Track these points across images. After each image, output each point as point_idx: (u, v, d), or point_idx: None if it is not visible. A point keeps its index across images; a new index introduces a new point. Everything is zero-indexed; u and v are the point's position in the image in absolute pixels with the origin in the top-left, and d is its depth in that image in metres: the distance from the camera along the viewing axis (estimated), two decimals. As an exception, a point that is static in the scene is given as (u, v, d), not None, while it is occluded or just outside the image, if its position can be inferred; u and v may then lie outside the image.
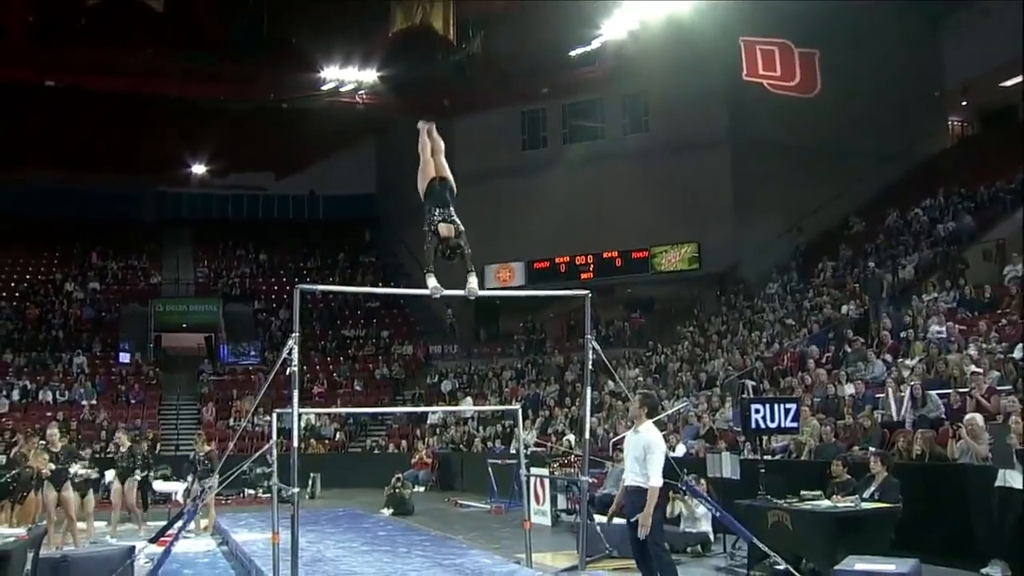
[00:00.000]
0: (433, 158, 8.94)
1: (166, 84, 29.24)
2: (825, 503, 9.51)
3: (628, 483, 7.96)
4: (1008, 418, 10.19)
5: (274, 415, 10.54)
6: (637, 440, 7.91)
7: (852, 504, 9.29)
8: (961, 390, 12.96)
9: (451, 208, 8.60)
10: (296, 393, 7.95)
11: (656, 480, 7.66)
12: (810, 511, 9.36)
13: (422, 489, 22.47)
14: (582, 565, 9.08)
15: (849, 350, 17.76)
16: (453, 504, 19.69)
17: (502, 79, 30.80)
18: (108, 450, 13.42)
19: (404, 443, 26.65)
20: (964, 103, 34.40)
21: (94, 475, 13.11)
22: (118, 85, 28.85)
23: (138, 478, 13.91)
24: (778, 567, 9.09)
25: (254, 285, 37.19)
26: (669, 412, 18.08)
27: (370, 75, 29.51)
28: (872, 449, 11.34)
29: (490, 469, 19.01)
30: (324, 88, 30.06)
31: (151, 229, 39.25)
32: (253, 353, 32.67)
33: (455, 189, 8.90)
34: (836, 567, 7.64)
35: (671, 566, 7.97)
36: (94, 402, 27.63)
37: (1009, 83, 30.92)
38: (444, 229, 8.41)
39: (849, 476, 10.31)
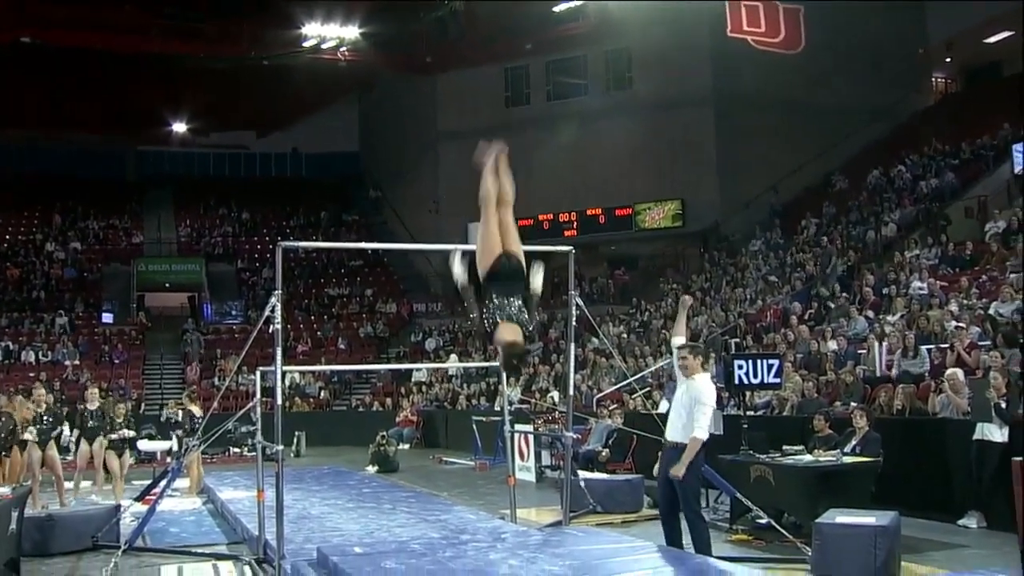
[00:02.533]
0: (500, 214, 6.43)
1: (146, 41, 28.82)
2: (807, 458, 9.58)
3: (670, 438, 7.65)
4: (988, 373, 10.27)
5: (258, 373, 10.51)
6: (688, 389, 7.61)
7: (833, 458, 9.37)
8: (942, 346, 13.04)
9: (519, 299, 6.00)
10: (279, 351, 7.91)
11: (702, 432, 7.37)
12: (792, 466, 9.44)
13: (407, 446, 22.55)
14: (566, 520, 9.12)
15: (833, 305, 17.84)
16: (438, 461, 19.77)
17: (485, 35, 30.49)
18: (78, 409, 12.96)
19: (388, 401, 26.71)
20: (948, 59, 34.38)
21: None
22: (98, 42, 28.45)
23: (106, 440, 13.05)
24: (760, 521, 9.18)
25: (237, 244, 37.01)
26: (652, 369, 18.16)
27: (352, 31, 29.17)
28: (854, 404, 11.41)
29: (474, 426, 19.08)
30: (306, 45, 29.71)
31: (132, 188, 39.01)
32: (237, 312, 32.61)
33: (525, 266, 6.31)
34: (817, 520, 7.71)
35: (705, 535, 7.58)
36: (77, 362, 27.55)
37: (993, 39, 30.94)
38: (510, 333, 5.77)
39: (831, 431, 10.38)
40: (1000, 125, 22.34)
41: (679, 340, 8.17)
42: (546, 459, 15.57)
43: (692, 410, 7.47)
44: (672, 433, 7.67)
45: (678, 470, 7.35)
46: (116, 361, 28.61)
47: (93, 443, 12.81)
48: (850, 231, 22.68)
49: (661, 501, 7.89)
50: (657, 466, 8.22)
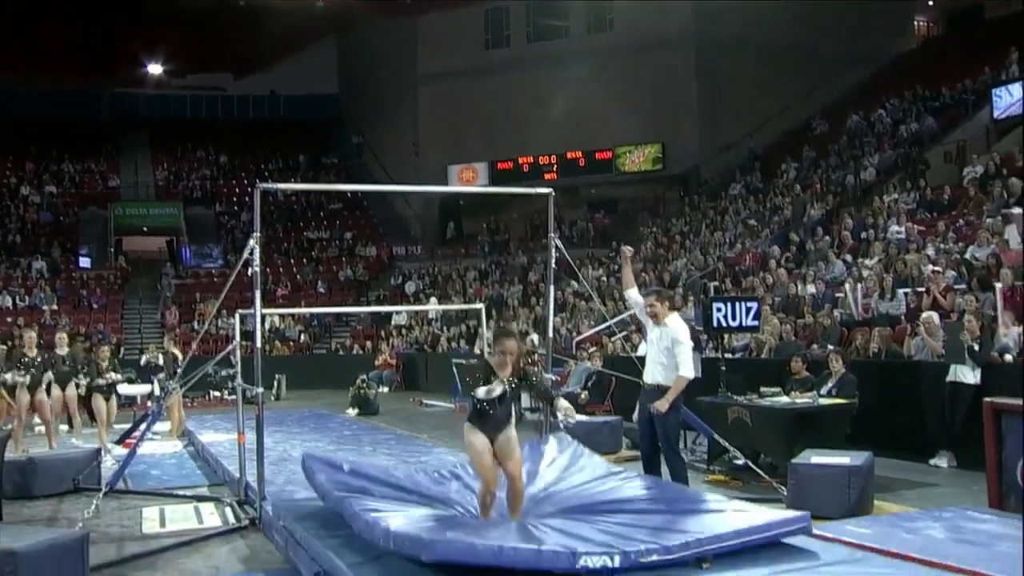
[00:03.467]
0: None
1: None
2: (784, 399, 9.68)
3: (649, 381, 7.70)
4: (962, 316, 10.38)
5: (237, 316, 10.44)
6: (664, 333, 7.61)
7: (810, 400, 9.46)
8: (919, 289, 13.14)
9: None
10: (258, 293, 7.87)
11: (688, 371, 7.46)
12: (769, 407, 9.52)
13: (387, 389, 22.63)
14: (545, 461, 9.20)
15: (811, 249, 17.92)
16: (418, 404, 19.86)
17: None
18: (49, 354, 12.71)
19: (368, 344, 26.75)
20: (931, 2, 34.17)
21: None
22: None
23: (81, 382, 12.84)
24: (737, 461, 9.28)
25: (215, 188, 36.70)
26: (631, 312, 18.20)
27: (330, -30, 28.70)
28: (831, 347, 11.52)
29: (455, 369, 19.12)
30: (284, -17, 29.23)
31: (108, 131, 38.44)
32: (215, 256, 32.47)
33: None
34: (792, 460, 7.81)
35: (683, 472, 7.73)
36: (55, 307, 27.36)
37: (976, -19, 30.75)
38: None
39: (808, 373, 10.48)
40: (981, 70, 22.30)
41: (632, 292, 8.21)
42: (525, 401, 15.64)
43: (672, 352, 7.51)
44: (652, 376, 7.72)
45: (662, 404, 7.43)
46: (94, 306, 28.45)
47: (66, 389, 12.64)
48: (830, 175, 22.71)
49: (642, 442, 7.94)
50: (637, 410, 8.24)
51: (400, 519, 5.23)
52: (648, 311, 7.78)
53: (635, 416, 10.20)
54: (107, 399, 12.90)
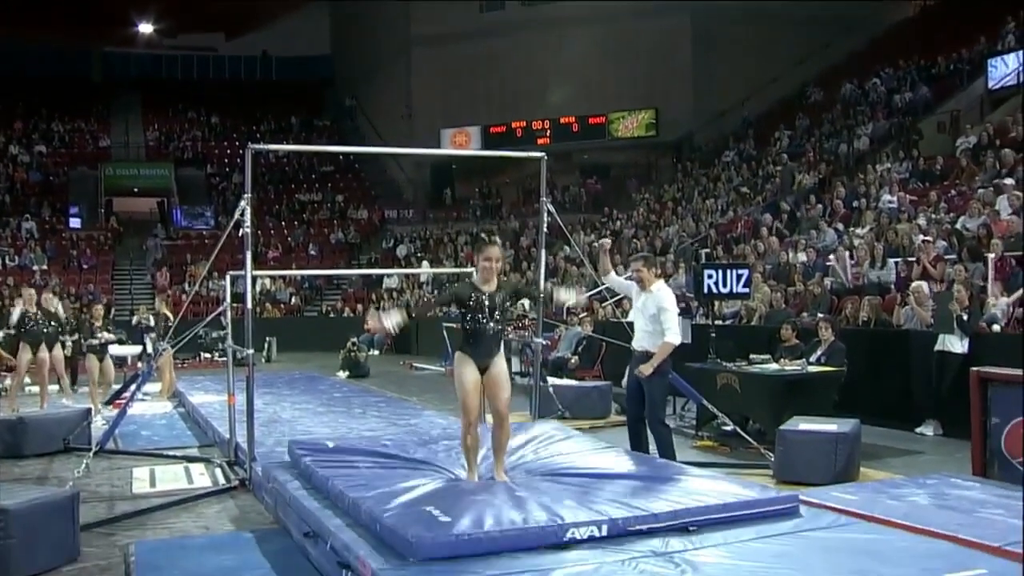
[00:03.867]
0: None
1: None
2: (773, 366, 9.72)
3: (638, 347, 7.72)
4: (952, 286, 10.41)
5: (228, 278, 10.42)
6: (650, 300, 7.63)
7: (799, 368, 9.51)
8: (909, 259, 13.15)
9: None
10: (249, 254, 7.84)
11: (674, 336, 7.48)
12: (758, 374, 9.57)
13: (377, 352, 22.65)
14: (534, 425, 9.23)
15: (804, 216, 17.90)
16: (408, 367, 19.90)
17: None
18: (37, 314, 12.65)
19: (360, 307, 26.73)
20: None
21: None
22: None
23: (68, 342, 13.08)
24: (726, 427, 9.30)
25: (206, 149, 36.49)
26: (624, 277, 18.20)
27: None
28: (820, 315, 11.54)
29: (445, 332, 19.13)
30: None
31: (98, 91, 38.13)
32: (207, 217, 32.35)
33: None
34: (781, 427, 7.85)
35: (668, 440, 7.73)
36: (45, 267, 27.22)
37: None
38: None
39: (797, 341, 10.51)
40: (977, 40, 22.18)
41: (612, 277, 8.34)
42: (516, 365, 15.68)
43: (658, 318, 7.54)
44: (639, 342, 7.76)
45: (646, 368, 7.47)
46: (84, 266, 28.32)
47: (53, 349, 12.59)
48: (823, 143, 22.65)
49: (629, 408, 7.98)
50: (626, 376, 8.25)
51: (384, 503, 5.23)
52: (635, 276, 7.81)
53: (624, 382, 10.24)
54: (101, 359, 12.88)
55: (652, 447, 7.78)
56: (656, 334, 7.57)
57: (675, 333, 7.54)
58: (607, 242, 8.79)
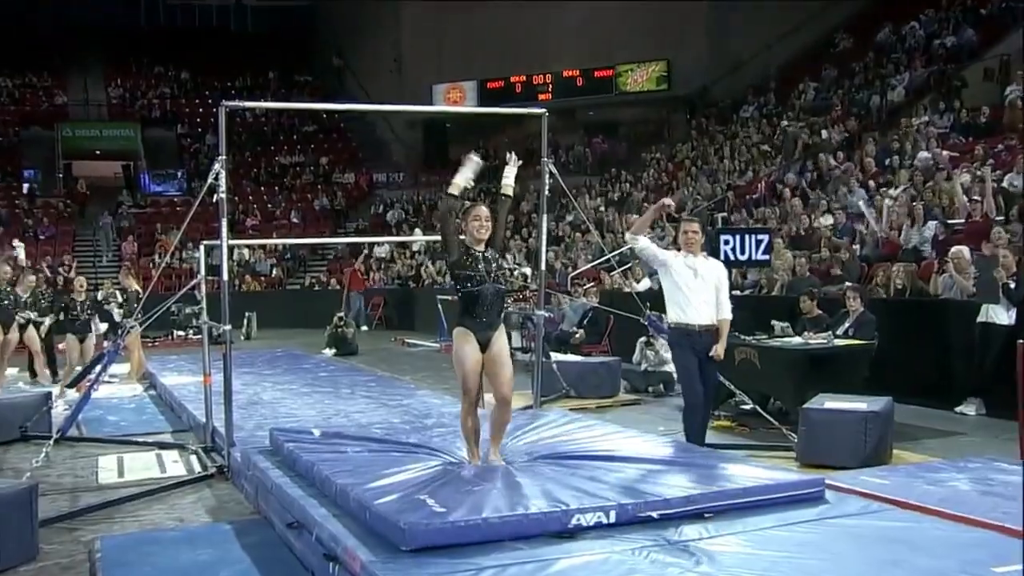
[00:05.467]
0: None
1: None
2: (796, 340, 9.71)
3: (702, 321, 7.55)
4: (996, 251, 10.33)
5: (202, 248, 10.40)
6: (709, 268, 7.67)
7: (824, 341, 9.49)
8: (949, 221, 13.10)
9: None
10: (224, 222, 7.82)
11: (730, 310, 7.68)
12: (780, 348, 9.56)
13: (365, 328, 22.66)
14: (537, 404, 9.24)
15: (831, 177, 17.83)
16: (400, 343, 19.94)
17: None
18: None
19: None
20: None
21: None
22: None
23: (21, 321, 12.93)
24: (745, 406, 9.34)
25: (176, 107, 36.37)
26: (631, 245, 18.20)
27: None
28: (847, 284, 11.52)
29: (440, 305, 19.17)
30: None
31: (52, 42, 37.53)
32: (178, 181, 32.32)
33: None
34: (805, 405, 7.85)
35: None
36: (-6, 237, 27.15)
37: None
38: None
39: (820, 311, 10.50)
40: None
41: (644, 240, 7.97)
42: (516, 340, 15.70)
43: (720, 289, 7.66)
44: (701, 315, 7.60)
45: (721, 349, 7.55)
46: (42, 237, 28.19)
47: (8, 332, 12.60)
48: (852, 96, 22.50)
49: (692, 393, 7.72)
50: (677, 356, 7.98)
51: (374, 490, 5.24)
52: (692, 237, 7.70)
53: (671, 366, 10.15)
54: (82, 340, 12.89)
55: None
56: (715, 307, 7.62)
57: (729, 306, 7.70)
58: (670, 203, 8.62)
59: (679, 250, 7.81)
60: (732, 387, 8.73)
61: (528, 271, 19.04)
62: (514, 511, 4.85)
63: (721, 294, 7.62)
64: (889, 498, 5.76)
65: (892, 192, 15.09)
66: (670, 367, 11.56)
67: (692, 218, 8.03)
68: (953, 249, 11.12)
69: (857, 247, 13.67)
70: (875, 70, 23.17)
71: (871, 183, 16.30)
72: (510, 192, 6.51)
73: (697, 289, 7.59)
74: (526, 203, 26.21)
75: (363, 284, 24.31)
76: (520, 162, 6.63)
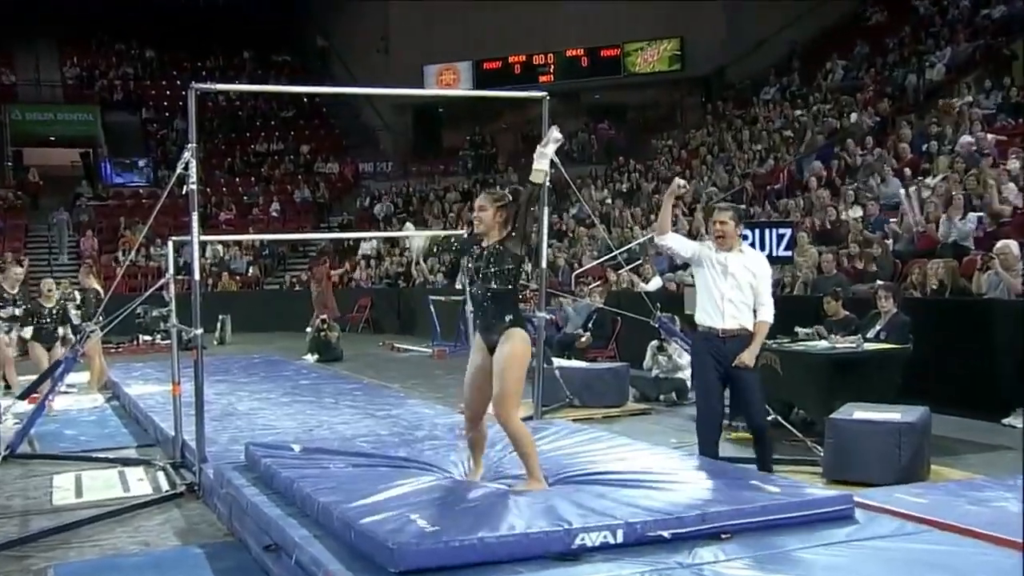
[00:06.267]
0: None
1: None
2: (822, 343, 9.67)
3: (729, 326, 7.23)
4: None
5: (170, 245, 10.40)
6: (743, 263, 7.30)
7: (853, 344, 9.46)
8: (995, 212, 13.08)
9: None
10: (195, 216, 7.82)
11: (771, 313, 7.29)
12: (804, 352, 9.53)
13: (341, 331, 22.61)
14: (538, 415, 9.22)
15: (861, 165, 17.80)
16: (389, 348, 19.97)
17: None
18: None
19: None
20: None
21: None
22: None
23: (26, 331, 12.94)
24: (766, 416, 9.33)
25: (140, 89, 36.41)
26: (641, 240, 18.23)
27: None
28: (879, 283, 11.50)
29: (432, 307, 19.22)
30: None
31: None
32: (143, 171, 32.33)
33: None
34: (832, 415, 7.83)
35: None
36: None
37: None
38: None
39: (848, 313, 10.49)
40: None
41: (672, 239, 7.72)
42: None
43: (756, 289, 7.30)
44: (730, 319, 7.29)
45: (749, 356, 7.18)
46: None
47: None
48: (886, 75, 22.48)
49: (708, 406, 7.56)
50: (694, 365, 7.90)
51: (359, 508, 5.25)
52: (721, 228, 7.38)
53: (687, 374, 10.08)
54: (49, 348, 12.88)
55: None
56: (749, 308, 7.31)
57: (772, 309, 7.34)
58: (682, 182, 8.15)
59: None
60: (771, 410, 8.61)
61: (528, 269, 19.05)
62: (513, 530, 4.84)
63: (762, 295, 7.29)
64: (926, 518, 5.73)
65: (930, 181, 15.08)
66: (683, 374, 11.61)
67: (724, 207, 7.77)
68: (1000, 243, 11.08)
69: (890, 242, 13.67)
70: (912, 46, 23.12)
71: (906, 171, 16.30)
72: (538, 178, 6.18)
73: (724, 288, 7.29)
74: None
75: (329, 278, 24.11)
76: (560, 139, 6.48)
